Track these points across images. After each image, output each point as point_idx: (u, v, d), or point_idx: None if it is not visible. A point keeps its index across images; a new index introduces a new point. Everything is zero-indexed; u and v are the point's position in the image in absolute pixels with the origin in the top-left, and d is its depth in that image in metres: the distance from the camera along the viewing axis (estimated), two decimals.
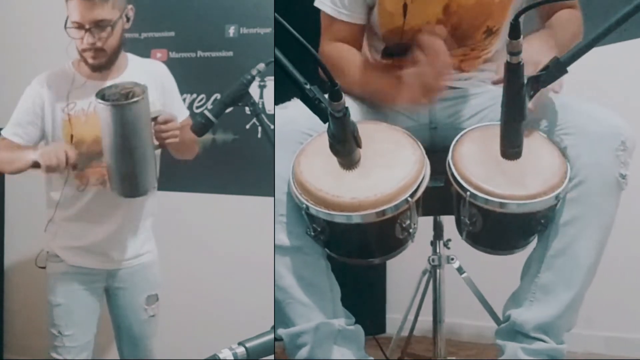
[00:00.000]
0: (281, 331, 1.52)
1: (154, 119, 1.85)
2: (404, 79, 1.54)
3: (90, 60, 1.90)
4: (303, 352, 1.50)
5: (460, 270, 1.79)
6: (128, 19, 1.94)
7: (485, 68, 1.72)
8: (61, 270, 2.01)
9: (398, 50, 1.66)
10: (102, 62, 1.92)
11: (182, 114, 2.09)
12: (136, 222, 2.05)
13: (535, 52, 1.40)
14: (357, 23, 1.69)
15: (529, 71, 1.26)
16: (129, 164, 1.82)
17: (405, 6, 1.58)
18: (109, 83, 1.94)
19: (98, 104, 1.77)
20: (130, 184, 1.86)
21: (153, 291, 2.11)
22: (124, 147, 1.80)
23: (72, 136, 1.91)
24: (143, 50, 1.94)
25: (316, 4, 1.71)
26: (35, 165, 1.86)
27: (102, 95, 1.78)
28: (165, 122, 1.87)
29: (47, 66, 2.04)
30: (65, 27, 1.87)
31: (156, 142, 1.89)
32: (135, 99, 1.76)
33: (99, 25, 1.85)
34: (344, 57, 1.69)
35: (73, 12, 1.84)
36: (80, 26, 1.85)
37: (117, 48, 1.94)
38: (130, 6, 1.94)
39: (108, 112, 1.75)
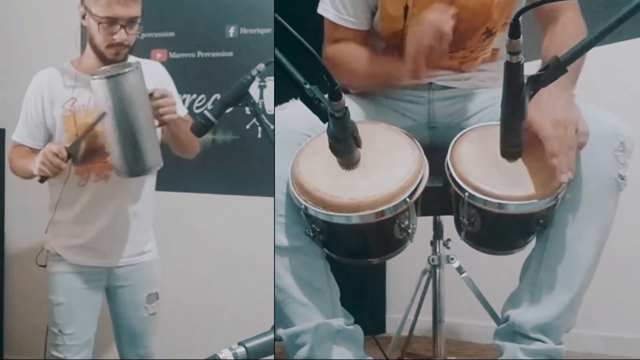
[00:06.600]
0: (280, 331, 1.52)
1: (150, 95, 1.84)
2: (406, 51, 1.50)
3: (111, 57, 1.89)
4: (302, 352, 1.50)
5: (460, 270, 1.79)
6: None
7: (485, 68, 1.72)
8: (62, 269, 2.01)
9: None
10: (121, 59, 1.91)
11: (181, 112, 2.09)
12: (132, 215, 2.04)
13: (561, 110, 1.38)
14: (361, 29, 1.69)
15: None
16: (131, 138, 1.80)
17: (406, 8, 1.58)
18: None
19: (94, 81, 1.77)
20: (135, 160, 1.84)
21: (154, 289, 2.12)
22: (124, 121, 1.78)
23: (77, 135, 1.90)
24: (143, 50, 1.94)
25: (319, 10, 1.71)
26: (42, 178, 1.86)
27: (96, 75, 1.78)
28: (162, 96, 1.86)
29: (47, 64, 2.03)
30: (84, 18, 1.87)
31: (156, 122, 1.87)
32: (129, 69, 1.77)
33: (132, 21, 1.86)
34: (347, 52, 1.69)
35: (105, 8, 1.83)
36: (114, 22, 1.84)
37: (135, 46, 1.94)
38: None
39: (104, 86, 1.75)
